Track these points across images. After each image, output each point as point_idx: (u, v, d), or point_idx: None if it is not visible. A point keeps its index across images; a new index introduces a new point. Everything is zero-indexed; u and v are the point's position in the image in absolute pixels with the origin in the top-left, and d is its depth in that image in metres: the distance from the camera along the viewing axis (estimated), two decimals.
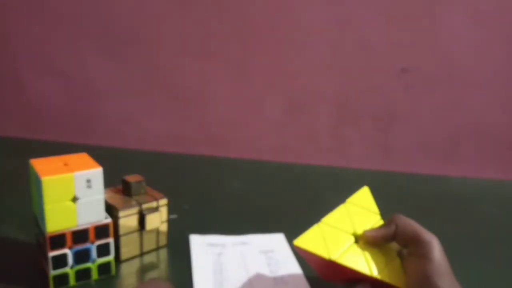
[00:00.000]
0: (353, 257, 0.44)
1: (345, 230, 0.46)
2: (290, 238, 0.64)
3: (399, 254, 0.46)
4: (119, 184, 0.60)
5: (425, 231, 0.43)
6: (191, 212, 0.72)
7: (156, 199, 0.58)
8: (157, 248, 0.60)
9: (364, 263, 0.44)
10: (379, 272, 0.44)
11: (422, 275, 0.41)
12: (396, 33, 0.95)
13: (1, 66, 1.04)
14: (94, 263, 0.53)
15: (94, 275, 0.53)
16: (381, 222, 0.48)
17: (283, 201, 0.80)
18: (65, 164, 0.51)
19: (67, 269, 0.51)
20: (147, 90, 1.03)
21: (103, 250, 0.53)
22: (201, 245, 0.61)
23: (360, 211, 0.48)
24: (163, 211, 0.59)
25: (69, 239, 0.50)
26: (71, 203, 0.49)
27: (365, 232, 0.46)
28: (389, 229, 0.45)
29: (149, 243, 0.59)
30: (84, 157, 0.54)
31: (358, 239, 0.46)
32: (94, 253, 0.52)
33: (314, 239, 0.45)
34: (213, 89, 1.01)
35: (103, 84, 1.03)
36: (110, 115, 1.05)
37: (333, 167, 1.01)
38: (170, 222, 0.62)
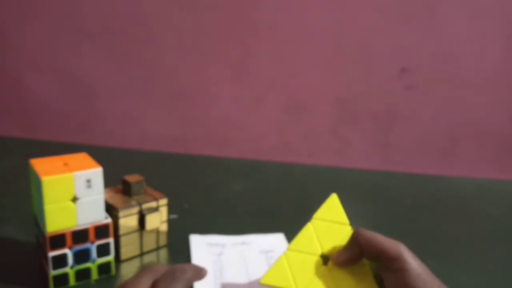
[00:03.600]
0: (321, 284, 0.44)
1: (312, 253, 0.45)
2: (290, 238, 0.64)
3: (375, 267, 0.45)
4: (119, 184, 0.60)
5: (390, 242, 0.41)
6: (191, 212, 0.72)
7: (156, 199, 0.58)
8: (157, 248, 0.60)
9: (333, 287, 0.43)
10: None
11: None
12: (396, 33, 0.95)
13: (1, 66, 1.04)
14: (94, 263, 0.53)
15: (94, 275, 0.53)
16: (351, 231, 0.45)
17: (283, 201, 0.80)
18: (65, 164, 0.51)
19: (67, 269, 0.51)
20: (147, 90, 1.03)
21: (103, 250, 0.53)
22: (201, 245, 0.61)
23: (328, 225, 0.46)
24: (163, 211, 0.59)
25: (69, 239, 0.50)
26: (71, 203, 0.49)
27: (331, 258, 0.44)
28: (352, 250, 0.43)
29: (149, 243, 0.59)
30: (84, 157, 0.54)
31: (327, 259, 0.45)
32: (94, 253, 0.52)
33: (279, 272, 0.44)
34: (213, 89, 1.01)
35: (103, 84, 1.03)
36: (110, 115, 1.05)
37: (333, 167, 1.01)
38: (170, 222, 0.62)
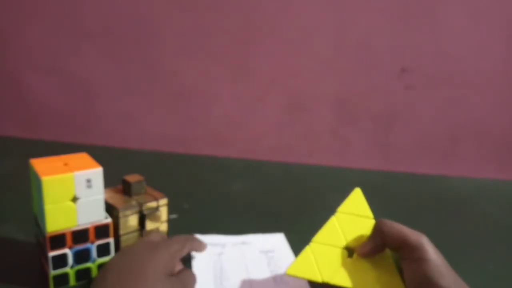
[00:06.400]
0: (346, 275, 0.44)
1: (337, 245, 0.46)
2: (290, 238, 0.64)
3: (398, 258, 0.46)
4: (119, 184, 0.60)
5: (412, 233, 0.42)
6: (191, 212, 0.72)
7: (156, 199, 0.58)
8: None
9: (358, 279, 0.44)
10: (374, 286, 0.44)
11: (423, 278, 0.40)
12: (396, 33, 0.95)
13: (1, 66, 1.04)
14: (94, 263, 0.53)
15: (94, 275, 0.53)
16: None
17: (283, 201, 0.80)
18: (65, 164, 0.51)
19: (67, 269, 0.51)
20: (147, 90, 1.03)
21: (103, 250, 0.53)
22: None
23: (352, 219, 0.47)
24: (163, 211, 0.59)
25: (69, 239, 0.50)
26: (71, 203, 0.49)
27: (355, 250, 0.45)
28: (376, 240, 0.44)
29: None
30: (84, 156, 0.54)
31: (352, 251, 0.46)
32: (94, 253, 0.52)
33: (305, 264, 0.45)
34: (213, 89, 1.01)
35: (103, 84, 1.03)
36: (110, 114, 1.05)
37: (333, 167, 1.01)
38: (170, 222, 0.62)
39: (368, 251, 0.44)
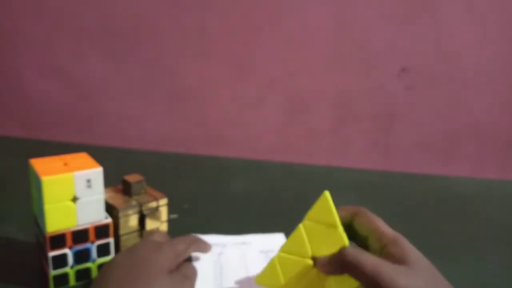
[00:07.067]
0: (310, 286, 0.44)
1: (302, 255, 0.44)
2: None
3: None
4: (119, 184, 0.60)
5: (387, 268, 0.38)
6: (191, 212, 0.72)
7: (156, 199, 0.58)
8: None
9: None
10: None
11: None
12: (396, 33, 0.95)
13: (2, 65, 1.04)
14: (94, 263, 0.53)
15: (95, 275, 0.53)
16: (342, 235, 0.43)
17: (283, 201, 0.80)
18: (65, 164, 0.51)
19: (67, 269, 0.51)
20: (147, 90, 1.03)
21: (103, 250, 0.53)
22: None
23: (318, 227, 0.44)
24: (163, 211, 0.59)
25: (69, 239, 0.50)
26: (71, 203, 0.49)
27: (317, 262, 0.44)
28: (335, 266, 0.42)
29: None
30: (84, 156, 0.54)
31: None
32: (94, 253, 0.52)
33: (271, 275, 0.45)
34: (213, 89, 1.01)
35: (103, 84, 1.03)
36: (110, 114, 1.05)
37: (334, 167, 1.01)
38: (170, 222, 0.62)
39: (325, 271, 0.43)
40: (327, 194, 0.45)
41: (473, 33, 0.94)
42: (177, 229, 0.63)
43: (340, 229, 0.44)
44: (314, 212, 0.45)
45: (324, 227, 0.44)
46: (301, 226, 0.45)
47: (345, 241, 0.44)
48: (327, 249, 0.44)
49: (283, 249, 0.46)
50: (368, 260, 0.39)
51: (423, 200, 0.85)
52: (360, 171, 0.99)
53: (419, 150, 1.02)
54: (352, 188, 0.86)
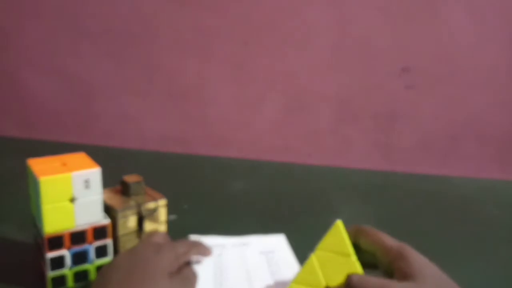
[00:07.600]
0: None
1: (316, 286, 0.44)
2: (291, 238, 0.64)
3: None
4: (117, 184, 0.60)
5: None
6: (191, 212, 0.72)
7: (155, 200, 0.58)
8: None
9: None
10: None
11: None
12: (396, 33, 0.95)
13: (1, 65, 1.04)
14: (92, 264, 0.52)
15: (92, 276, 0.53)
16: (355, 264, 0.44)
17: (283, 201, 0.80)
18: (63, 164, 0.50)
19: (65, 270, 0.51)
20: (147, 90, 1.02)
21: (101, 251, 0.53)
22: None
23: (332, 257, 0.44)
24: (162, 212, 0.59)
25: (67, 240, 0.50)
26: (69, 204, 0.49)
27: None
28: None
29: None
30: (82, 156, 0.53)
31: None
32: (92, 254, 0.52)
33: None
34: (213, 89, 1.01)
35: (103, 84, 1.03)
36: (108, 114, 1.04)
37: (334, 167, 1.00)
38: (169, 222, 0.62)
39: None
40: (339, 223, 0.45)
41: (473, 33, 0.94)
42: (176, 229, 0.63)
43: (354, 257, 0.44)
44: (327, 241, 0.45)
45: (337, 256, 0.44)
46: (313, 256, 0.45)
47: (359, 269, 0.43)
48: (341, 278, 0.43)
49: (296, 280, 0.45)
50: (374, 284, 0.39)
51: (423, 200, 0.85)
52: (360, 171, 0.99)
53: (420, 150, 1.02)
54: (352, 188, 0.86)
